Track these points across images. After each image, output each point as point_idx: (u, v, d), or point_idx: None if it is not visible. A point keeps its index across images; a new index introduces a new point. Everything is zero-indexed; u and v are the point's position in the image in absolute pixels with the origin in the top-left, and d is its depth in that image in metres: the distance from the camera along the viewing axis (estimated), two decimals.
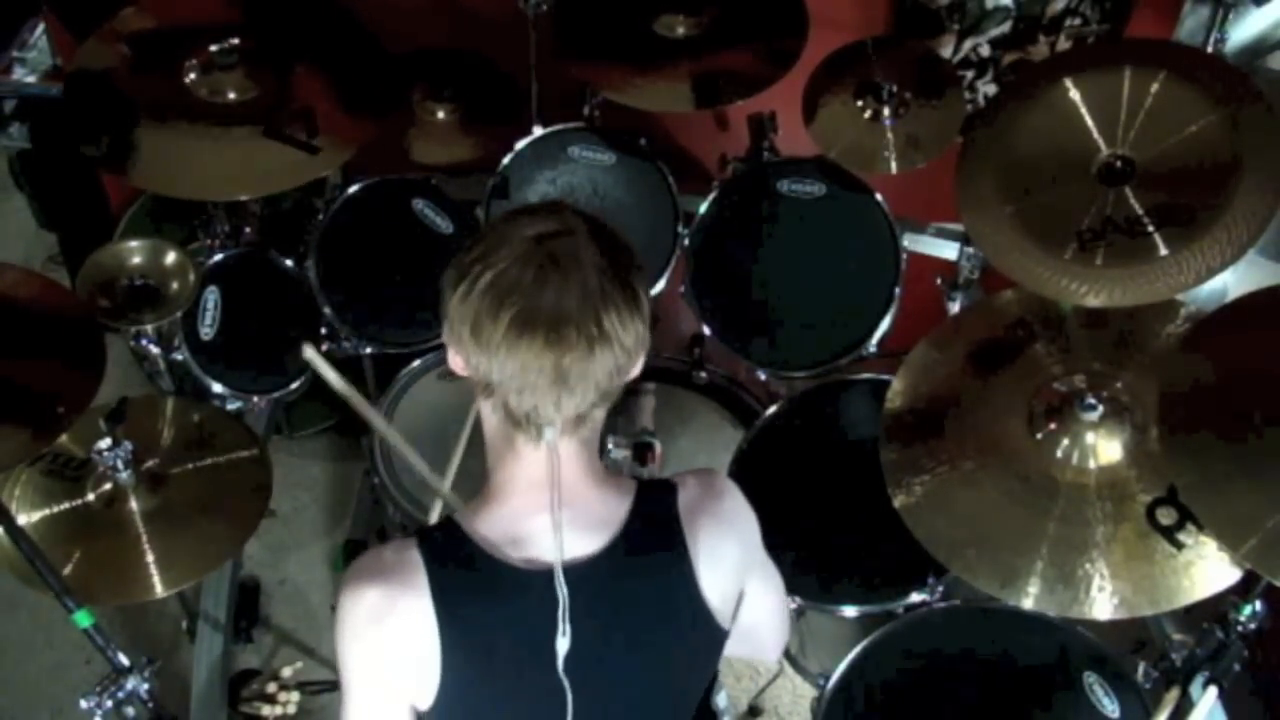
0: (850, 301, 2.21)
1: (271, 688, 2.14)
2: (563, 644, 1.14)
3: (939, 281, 2.30)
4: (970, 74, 2.56)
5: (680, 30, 2.24)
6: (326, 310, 2.23)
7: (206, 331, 2.11)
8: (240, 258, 2.20)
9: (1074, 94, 1.79)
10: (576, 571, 1.14)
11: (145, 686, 1.67)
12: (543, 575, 1.13)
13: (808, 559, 1.96)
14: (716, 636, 1.25)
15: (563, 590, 1.13)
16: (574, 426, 1.13)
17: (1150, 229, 1.69)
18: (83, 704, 1.64)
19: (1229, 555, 1.54)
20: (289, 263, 2.25)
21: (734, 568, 1.24)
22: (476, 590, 1.14)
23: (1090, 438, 1.70)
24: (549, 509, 1.14)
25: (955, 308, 2.26)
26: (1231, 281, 2.07)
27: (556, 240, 1.08)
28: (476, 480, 1.23)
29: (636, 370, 1.14)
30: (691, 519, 1.20)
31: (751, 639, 1.37)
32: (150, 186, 2.12)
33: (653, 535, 1.19)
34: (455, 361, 1.14)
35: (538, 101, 2.31)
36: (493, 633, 1.14)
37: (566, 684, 1.16)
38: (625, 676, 1.21)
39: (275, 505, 2.08)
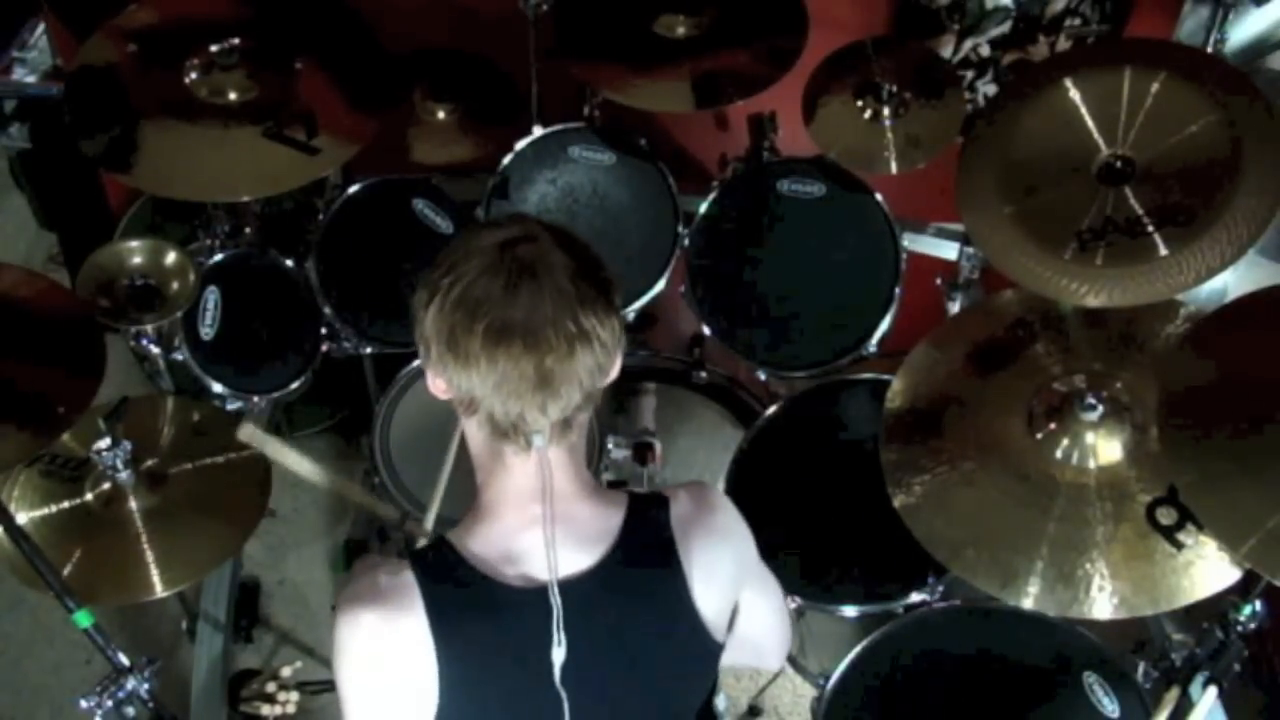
0: (850, 302, 2.21)
1: (271, 687, 2.13)
2: (558, 654, 1.13)
3: (939, 281, 2.30)
4: (970, 74, 2.56)
5: (680, 30, 2.23)
6: (326, 310, 2.23)
7: (206, 331, 2.11)
8: (240, 258, 2.20)
9: (1074, 94, 1.79)
10: (571, 586, 1.14)
11: (145, 686, 1.67)
12: (538, 592, 1.13)
13: (808, 559, 1.96)
14: (711, 649, 1.24)
15: (556, 600, 1.12)
16: (561, 432, 1.12)
17: (1150, 229, 1.68)
18: (83, 704, 1.64)
19: (1229, 555, 1.54)
20: (289, 263, 2.24)
21: (728, 581, 1.23)
22: (472, 610, 1.13)
23: (1090, 438, 1.70)
24: (541, 523, 1.13)
25: (955, 308, 2.26)
26: (1231, 281, 2.07)
27: (522, 246, 1.08)
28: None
29: (616, 369, 1.14)
30: (684, 534, 1.20)
31: (752, 648, 1.37)
32: (150, 187, 2.12)
33: (646, 550, 1.18)
34: (436, 385, 1.13)
35: (538, 101, 2.31)
36: (490, 652, 1.14)
37: (564, 695, 1.15)
38: (622, 690, 1.21)
39: (275, 505, 2.08)
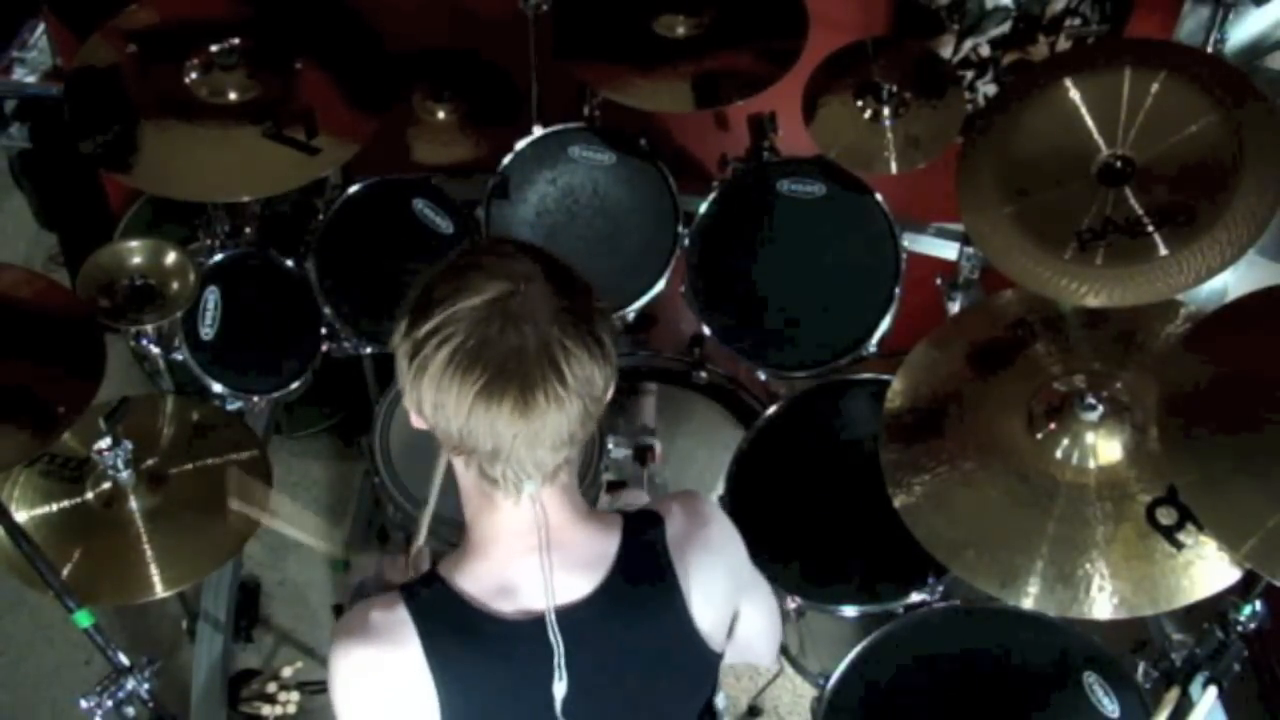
0: (850, 302, 2.21)
1: (271, 687, 2.14)
2: (559, 689, 1.13)
3: (939, 281, 2.30)
4: (970, 74, 2.56)
5: (680, 30, 2.23)
6: (326, 310, 2.23)
7: (206, 331, 2.10)
8: (240, 258, 2.19)
9: (1074, 94, 1.79)
10: (569, 615, 1.13)
11: (145, 686, 1.67)
12: (535, 623, 1.12)
13: (808, 559, 1.96)
14: (711, 662, 1.24)
15: (557, 640, 1.12)
16: (552, 476, 1.11)
17: (1150, 229, 1.69)
18: (83, 704, 1.64)
19: (1229, 555, 1.54)
20: (289, 263, 2.24)
21: (725, 594, 1.23)
22: (468, 646, 1.12)
23: (1090, 438, 1.70)
24: (535, 552, 1.13)
25: (955, 308, 2.26)
26: (1231, 281, 2.07)
27: (511, 300, 1.04)
28: None
29: (608, 398, 1.12)
30: (680, 551, 1.19)
31: (746, 650, 1.37)
32: (150, 187, 2.12)
33: (643, 571, 1.18)
34: (417, 422, 1.11)
35: (538, 101, 2.31)
36: (489, 686, 1.13)
37: None
38: (624, 713, 1.21)
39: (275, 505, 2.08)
